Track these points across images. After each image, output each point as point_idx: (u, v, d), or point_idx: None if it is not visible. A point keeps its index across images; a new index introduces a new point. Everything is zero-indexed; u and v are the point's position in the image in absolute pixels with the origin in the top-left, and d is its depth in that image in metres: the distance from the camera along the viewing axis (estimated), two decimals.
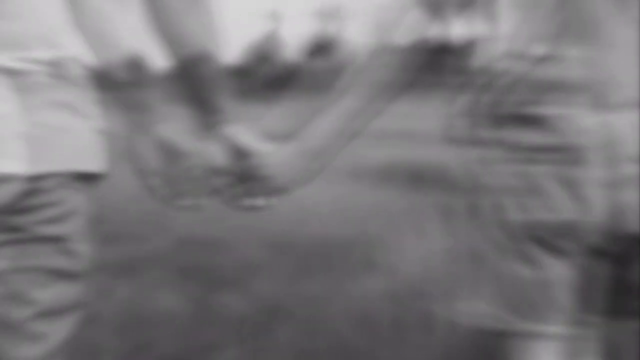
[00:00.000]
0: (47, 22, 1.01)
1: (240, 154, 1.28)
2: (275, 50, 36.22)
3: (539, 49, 1.17)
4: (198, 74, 1.23)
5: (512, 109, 1.18)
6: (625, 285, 1.19)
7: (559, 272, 1.17)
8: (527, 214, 1.16)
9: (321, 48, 35.35)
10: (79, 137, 1.03)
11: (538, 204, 1.15)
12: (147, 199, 1.27)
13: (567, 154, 1.15)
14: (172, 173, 1.20)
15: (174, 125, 1.20)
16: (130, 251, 3.62)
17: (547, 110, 1.15)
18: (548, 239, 1.16)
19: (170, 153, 1.19)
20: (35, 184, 0.98)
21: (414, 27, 1.27)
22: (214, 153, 1.26)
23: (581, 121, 1.15)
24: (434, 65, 1.32)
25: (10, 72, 0.96)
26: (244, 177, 1.29)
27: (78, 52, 1.06)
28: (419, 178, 5.82)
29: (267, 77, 30.37)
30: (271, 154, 1.29)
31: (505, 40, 1.20)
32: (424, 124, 9.17)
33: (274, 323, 2.54)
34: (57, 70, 1.01)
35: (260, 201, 1.31)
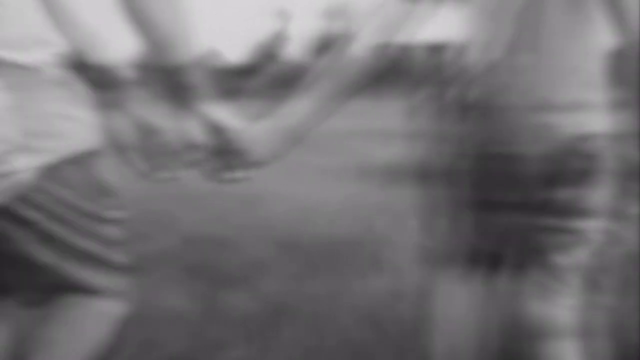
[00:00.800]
0: (42, 24, 1.04)
1: (215, 130, 1.32)
2: (282, 48, 36.22)
3: (494, 55, 1.28)
4: (169, 56, 1.25)
5: (467, 107, 1.30)
6: None
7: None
8: (479, 193, 1.34)
9: (328, 47, 35.30)
10: (78, 123, 1.07)
11: (488, 186, 1.33)
12: (154, 197, 1.30)
13: (509, 149, 1.28)
14: (149, 148, 1.26)
15: (149, 103, 1.26)
16: (137, 250, 3.62)
17: (496, 112, 1.28)
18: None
19: (146, 129, 1.25)
20: (48, 172, 1.01)
21: (395, 20, 1.36)
22: (190, 129, 1.30)
23: (522, 121, 1.26)
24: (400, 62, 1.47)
25: (13, 67, 0.98)
26: (220, 152, 1.35)
27: (68, 50, 1.09)
28: (425, 176, 5.81)
29: (274, 75, 30.38)
30: (245, 130, 1.35)
31: (470, 42, 1.31)
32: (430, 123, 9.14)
33: (281, 321, 2.54)
34: (52, 68, 1.03)
35: (239, 174, 1.38)
